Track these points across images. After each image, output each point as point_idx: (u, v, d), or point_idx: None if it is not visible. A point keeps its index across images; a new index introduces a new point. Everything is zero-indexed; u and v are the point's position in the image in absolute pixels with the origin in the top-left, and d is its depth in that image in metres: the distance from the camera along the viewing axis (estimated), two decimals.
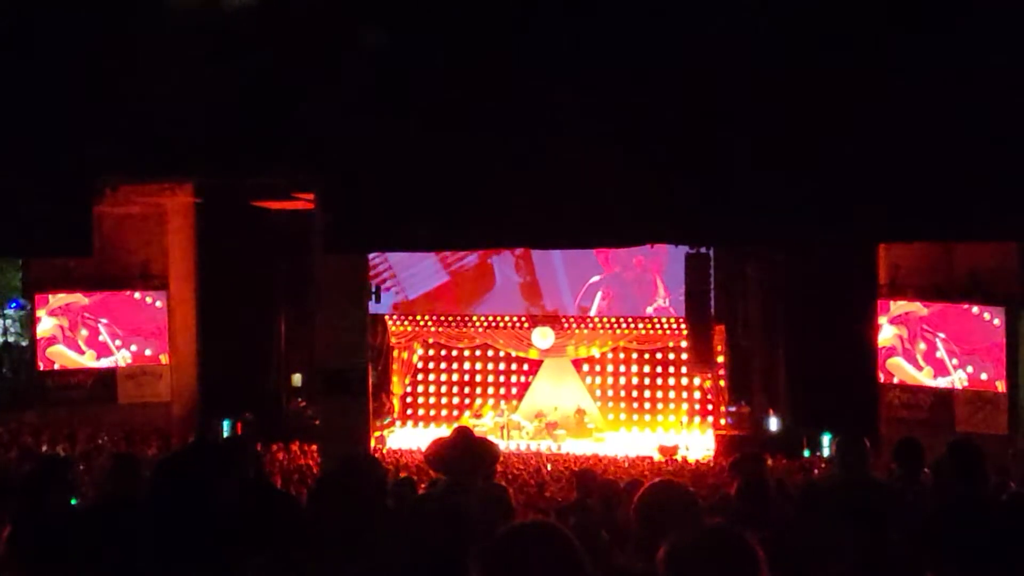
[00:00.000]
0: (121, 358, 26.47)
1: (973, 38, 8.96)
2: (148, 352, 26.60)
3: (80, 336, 26.22)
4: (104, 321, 26.36)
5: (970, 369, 23.26)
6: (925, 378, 24.00)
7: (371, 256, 28.95)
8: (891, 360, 24.65)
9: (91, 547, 3.65)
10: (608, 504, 7.51)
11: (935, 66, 9.08)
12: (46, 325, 26.09)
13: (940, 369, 23.80)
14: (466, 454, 5.76)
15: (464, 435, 6.02)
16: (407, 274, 30.94)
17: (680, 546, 2.84)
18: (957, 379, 23.48)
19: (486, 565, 2.76)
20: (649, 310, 30.40)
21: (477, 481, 5.77)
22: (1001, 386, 22.68)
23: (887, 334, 24.58)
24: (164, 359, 26.65)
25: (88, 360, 26.28)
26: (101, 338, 26.36)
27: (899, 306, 24.41)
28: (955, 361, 23.53)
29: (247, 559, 3.12)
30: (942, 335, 23.73)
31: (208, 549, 3.02)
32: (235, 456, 6.80)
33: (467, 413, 31.98)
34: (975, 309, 23.09)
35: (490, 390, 32.67)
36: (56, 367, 26.09)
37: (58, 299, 26.13)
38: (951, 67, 9.04)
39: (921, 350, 24.05)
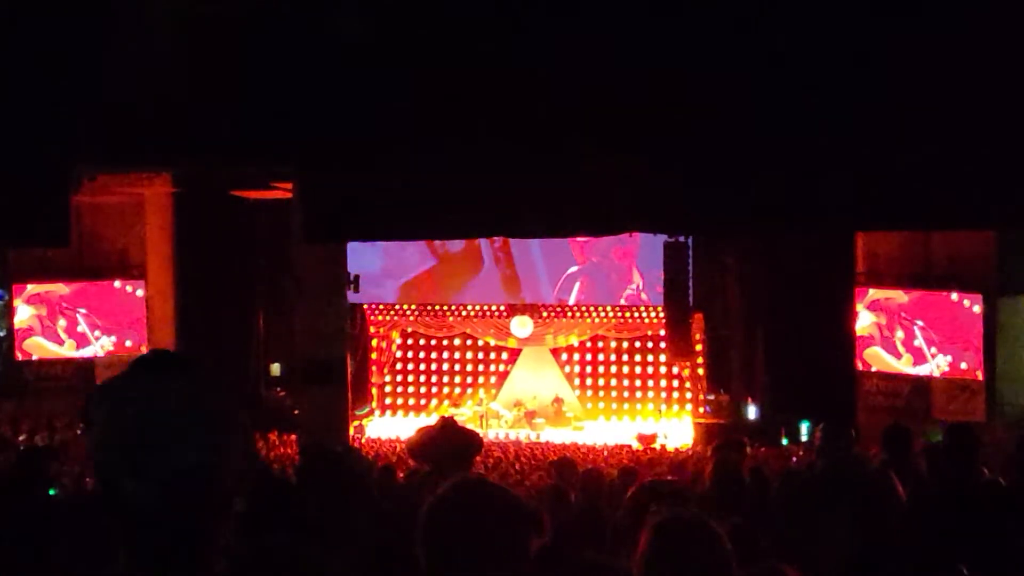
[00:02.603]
0: (100, 347, 26.31)
1: (947, 32, 9.00)
2: (128, 343, 26.45)
3: (59, 326, 26.04)
4: (83, 311, 26.17)
5: (949, 358, 23.30)
6: (904, 366, 24.03)
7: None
8: (869, 350, 24.68)
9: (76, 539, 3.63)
10: (592, 495, 7.42)
11: (911, 59, 9.13)
12: (23, 315, 25.87)
13: (919, 357, 23.84)
14: (450, 444, 5.75)
15: (448, 425, 6.02)
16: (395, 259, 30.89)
17: (655, 539, 2.84)
18: (935, 367, 23.54)
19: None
20: (623, 300, 30.41)
21: (462, 471, 5.76)
22: (979, 374, 22.74)
23: (865, 322, 24.60)
24: (143, 349, 26.48)
25: (68, 350, 26.10)
26: (80, 328, 26.17)
27: (878, 293, 24.44)
28: (933, 349, 23.57)
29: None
30: (920, 323, 23.76)
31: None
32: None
33: (446, 402, 31.95)
34: (954, 296, 23.14)
35: (469, 379, 32.61)
36: (34, 359, 25.93)
37: (36, 289, 25.94)
38: (927, 60, 9.09)
39: (899, 338, 24.09)
